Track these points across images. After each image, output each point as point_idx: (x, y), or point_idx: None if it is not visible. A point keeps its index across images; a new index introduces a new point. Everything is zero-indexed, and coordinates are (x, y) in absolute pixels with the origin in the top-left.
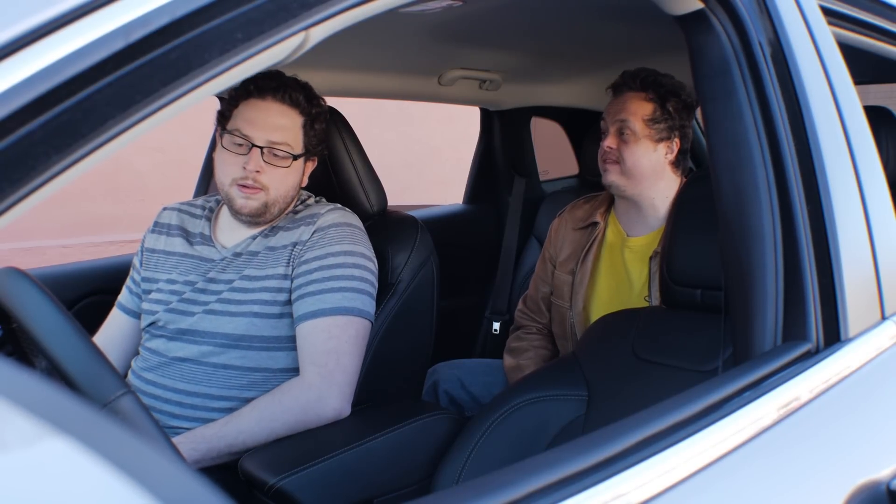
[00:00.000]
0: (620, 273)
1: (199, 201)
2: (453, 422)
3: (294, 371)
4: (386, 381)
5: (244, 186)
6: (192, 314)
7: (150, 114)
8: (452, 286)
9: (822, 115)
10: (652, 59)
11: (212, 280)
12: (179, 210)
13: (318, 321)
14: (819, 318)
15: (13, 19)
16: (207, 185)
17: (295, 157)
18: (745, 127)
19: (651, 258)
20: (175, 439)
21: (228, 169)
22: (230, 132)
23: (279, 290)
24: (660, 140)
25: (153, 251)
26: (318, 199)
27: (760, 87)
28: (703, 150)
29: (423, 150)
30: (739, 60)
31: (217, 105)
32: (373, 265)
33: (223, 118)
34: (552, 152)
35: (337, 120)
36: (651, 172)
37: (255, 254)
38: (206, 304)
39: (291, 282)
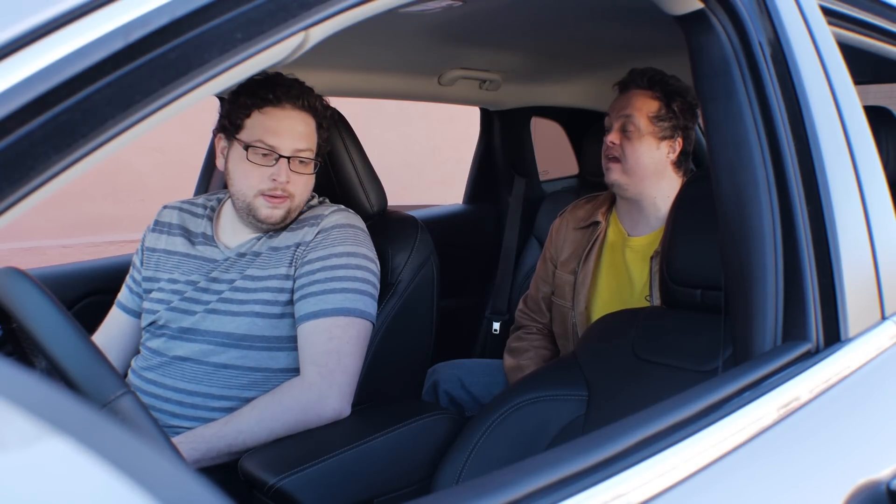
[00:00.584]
0: (622, 273)
1: (200, 200)
2: (453, 422)
3: (294, 371)
4: (386, 380)
5: (272, 197)
6: (194, 313)
7: (149, 114)
8: (452, 286)
9: (822, 115)
10: (652, 59)
11: (214, 280)
12: (180, 209)
13: (320, 321)
14: (819, 318)
15: (13, 19)
16: (207, 185)
17: (315, 162)
18: (745, 127)
19: (652, 258)
20: (175, 439)
21: (253, 181)
22: (252, 145)
23: (281, 290)
24: (663, 138)
25: (154, 250)
26: (321, 199)
27: (760, 87)
28: (703, 151)
29: (423, 150)
30: (739, 60)
31: (216, 105)
32: (375, 267)
33: (235, 128)
34: (552, 152)
35: (337, 120)
36: (653, 171)
37: (259, 254)
38: (207, 303)
39: (294, 282)
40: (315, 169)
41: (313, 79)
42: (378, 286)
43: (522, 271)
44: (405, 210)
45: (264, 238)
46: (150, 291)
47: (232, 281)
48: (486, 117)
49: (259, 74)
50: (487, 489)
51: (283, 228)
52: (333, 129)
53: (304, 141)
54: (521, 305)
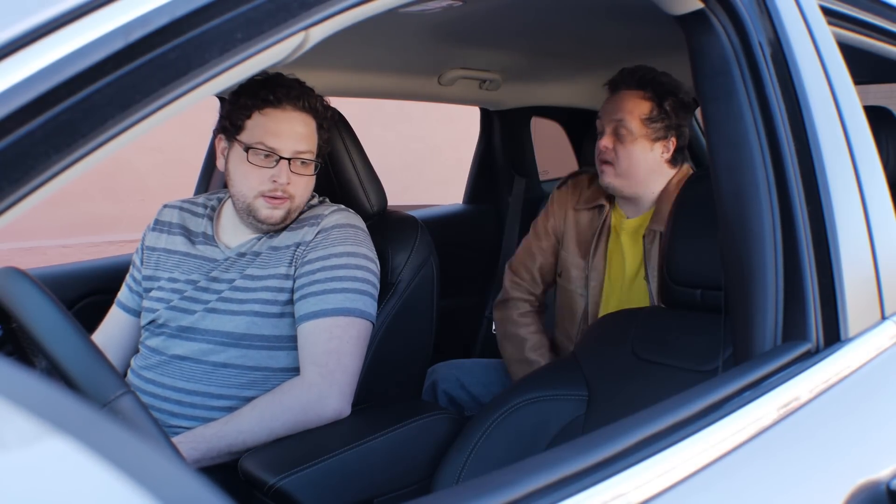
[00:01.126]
0: (619, 255)
1: (201, 199)
2: (453, 422)
3: (294, 371)
4: (386, 380)
5: (272, 198)
6: (193, 312)
7: (149, 114)
8: (452, 286)
9: (822, 115)
10: (652, 59)
11: (214, 279)
12: (181, 208)
13: (320, 321)
14: (819, 318)
15: (13, 19)
16: (207, 184)
17: (315, 163)
18: (745, 127)
19: (644, 236)
20: (175, 439)
21: (253, 183)
22: (253, 146)
23: (280, 289)
24: (656, 139)
25: (154, 249)
26: (321, 199)
27: (760, 87)
28: (703, 150)
29: (423, 150)
30: (739, 60)
31: (217, 105)
32: (375, 267)
33: (235, 129)
34: (552, 152)
35: (337, 120)
36: (648, 172)
37: (259, 254)
38: (206, 302)
39: (294, 282)
40: (315, 170)
41: (313, 79)
42: (378, 286)
43: None
44: (405, 210)
45: (264, 238)
46: (149, 290)
47: (232, 280)
48: (486, 117)
49: (259, 75)
50: (487, 489)
51: (284, 228)
52: (333, 129)
53: (304, 142)
54: (510, 276)
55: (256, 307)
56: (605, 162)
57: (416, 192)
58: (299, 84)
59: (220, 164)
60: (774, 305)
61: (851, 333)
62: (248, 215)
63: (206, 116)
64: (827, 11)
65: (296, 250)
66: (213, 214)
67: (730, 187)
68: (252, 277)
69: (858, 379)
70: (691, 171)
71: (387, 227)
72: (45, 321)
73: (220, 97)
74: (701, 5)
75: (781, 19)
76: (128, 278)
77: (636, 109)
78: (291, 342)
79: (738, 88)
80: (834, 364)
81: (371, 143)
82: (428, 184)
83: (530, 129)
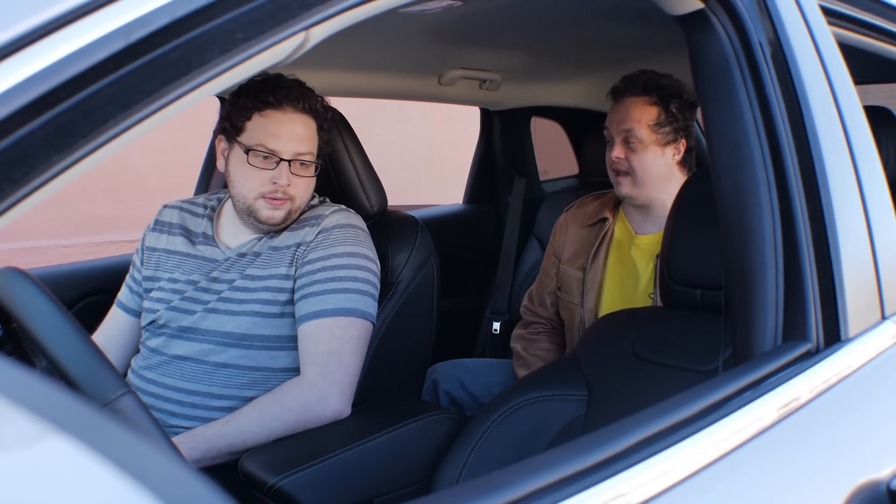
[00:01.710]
0: (628, 270)
1: (201, 199)
2: (453, 422)
3: (294, 371)
4: (386, 380)
5: (273, 199)
6: (194, 313)
7: (150, 114)
8: (452, 286)
9: (822, 115)
10: (652, 59)
11: (215, 280)
12: (181, 208)
13: (321, 321)
14: (819, 318)
15: (13, 19)
16: (207, 184)
17: (316, 165)
18: (745, 127)
19: (658, 256)
20: (175, 439)
21: (254, 184)
22: (253, 148)
23: (280, 289)
24: (667, 143)
25: (154, 249)
26: (322, 199)
27: (760, 87)
28: (703, 150)
29: (423, 150)
30: (739, 60)
31: (217, 105)
32: (375, 267)
33: (235, 130)
34: (552, 152)
35: (337, 120)
36: (662, 177)
37: (259, 254)
38: (207, 302)
39: (294, 282)
40: (316, 171)
41: (314, 79)
42: (378, 286)
43: (522, 271)
44: (405, 210)
45: (265, 238)
46: (150, 291)
47: (232, 281)
48: (486, 117)
49: (259, 75)
50: (487, 489)
51: (284, 228)
52: (334, 129)
53: (304, 144)
54: (525, 301)
55: (257, 307)
56: (619, 173)
57: (415, 192)
58: (299, 85)
59: (220, 164)
60: (774, 305)
61: (851, 333)
62: (248, 216)
63: (206, 116)
64: (827, 11)
65: (296, 250)
66: (213, 215)
67: (730, 187)
68: (252, 278)
69: (858, 379)
70: None
71: (387, 227)
72: (46, 321)
73: (221, 97)
74: (701, 5)
75: (781, 19)
76: (128, 278)
77: (644, 117)
78: (292, 342)
79: (738, 88)
80: (834, 364)
81: (371, 143)
82: (428, 184)
83: (530, 129)
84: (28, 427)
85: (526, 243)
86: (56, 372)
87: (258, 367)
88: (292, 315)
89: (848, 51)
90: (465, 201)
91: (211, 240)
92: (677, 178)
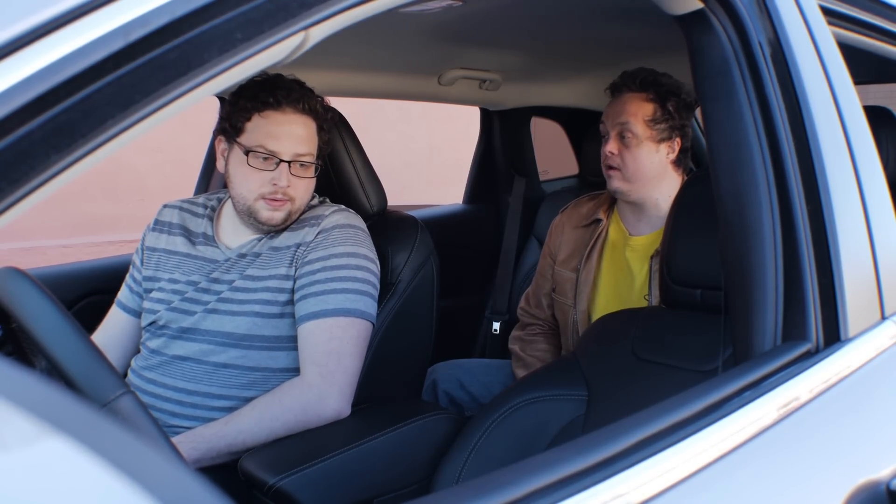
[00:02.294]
0: (622, 271)
1: (201, 199)
2: (453, 422)
3: (294, 371)
4: (386, 380)
5: (273, 200)
6: (194, 313)
7: (149, 114)
8: (452, 286)
9: (822, 115)
10: (652, 59)
11: (215, 280)
12: (181, 208)
13: (321, 321)
14: (819, 318)
15: (13, 19)
16: (207, 184)
17: (315, 165)
18: (745, 127)
19: (652, 257)
20: (175, 439)
21: (253, 185)
22: (253, 149)
23: (280, 290)
24: (661, 140)
25: (154, 250)
26: (322, 199)
27: (760, 87)
28: (703, 150)
29: (423, 150)
30: (739, 60)
31: (217, 105)
32: (375, 267)
33: (235, 130)
34: (552, 152)
35: (337, 120)
36: (654, 174)
37: (259, 254)
38: (207, 303)
39: (294, 282)
40: (316, 172)
41: (313, 79)
42: (378, 286)
43: (522, 271)
44: (405, 210)
45: (265, 238)
46: (150, 291)
47: (232, 281)
48: (486, 117)
49: (259, 76)
50: (487, 489)
51: (284, 229)
52: (333, 129)
53: (304, 145)
54: (522, 303)
55: (257, 308)
56: (612, 167)
57: (415, 192)
58: (299, 85)
59: (220, 165)
60: (774, 305)
61: (851, 333)
62: (248, 217)
63: (206, 116)
64: (827, 11)
65: (296, 251)
66: (213, 215)
67: (730, 187)
68: (252, 278)
69: (858, 379)
70: None
71: (387, 227)
72: (45, 321)
73: (220, 97)
74: (701, 5)
75: (781, 19)
76: (128, 278)
77: (640, 112)
78: (292, 342)
79: (738, 88)
80: (834, 364)
81: (371, 143)
82: (428, 184)
83: (530, 129)
84: (27, 427)
85: (526, 243)
86: (55, 372)
87: (258, 367)
88: (292, 315)
89: (848, 51)
90: (464, 201)
91: (211, 240)
92: (671, 178)
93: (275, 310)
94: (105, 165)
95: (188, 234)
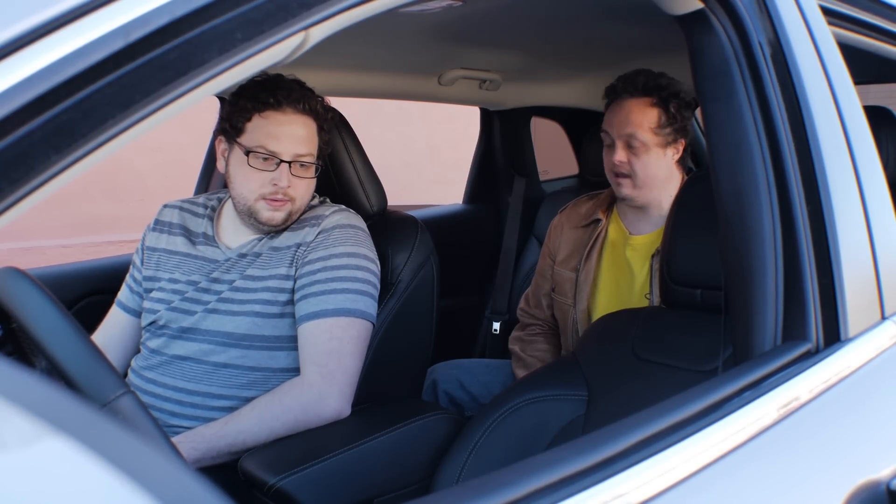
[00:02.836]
0: (623, 271)
1: (201, 199)
2: (453, 422)
3: (294, 371)
4: (386, 380)
5: (273, 200)
6: (194, 313)
7: (149, 114)
8: (452, 286)
9: (822, 115)
10: (652, 59)
11: (215, 280)
12: (181, 208)
13: (321, 321)
14: (819, 318)
15: (13, 19)
16: (207, 184)
17: (316, 166)
18: (745, 127)
19: (653, 256)
20: (175, 439)
21: (254, 185)
22: (253, 150)
23: (280, 290)
24: (668, 145)
25: (154, 249)
26: (322, 199)
27: (760, 87)
28: (702, 150)
29: (423, 150)
30: (739, 60)
31: (217, 105)
32: (375, 267)
33: (235, 131)
34: (552, 152)
35: (337, 120)
36: (663, 177)
37: (259, 254)
38: (207, 303)
39: (294, 282)
40: (316, 172)
41: (313, 79)
42: (378, 286)
43: (522, 271)
44: (405, 210)
45: (265, 238)
46: (150, 291)
47: (232, 281)
48: (486, 117)
49: (259, 76)
50: (487, 489)
51: (284, 229)
52: (334, 129)
53: (304, 145)
54: (521, 304)
55: (257, 308)
56: (621, 175)
57: (415, 192)
58: (299, 86)
59: (220, 165)
60: (774, 305)
61: (851, 333)
62: (249, 217)
63: (206, 116)
64: (827, 11)
65: (296, 251)
66: (213, 215)
67: (730, 187)
68: (252, 278)
69: (858, 379)
70: None
71: (387, 227)
72: (45, 321)
73: (220, 97)
74: (701, 5)
75: (781, 19)
76: (128, 278)
77: (645, 120)
78: (292, 342)
79: (738, 88)
80: (834, 364)
81: (371, 143)
82: (428, 184)
83: (530, 129)
84: (27, 427)
85: (526, 243)
86: (55, 372)
87: (258, 367)
88: (292, 315)
89: (848, 51)
90: (465, 201)
91: (211, 240)
92: (675, 178)
93: (275, 310)
94: (105, 165)
95: (188, 234)
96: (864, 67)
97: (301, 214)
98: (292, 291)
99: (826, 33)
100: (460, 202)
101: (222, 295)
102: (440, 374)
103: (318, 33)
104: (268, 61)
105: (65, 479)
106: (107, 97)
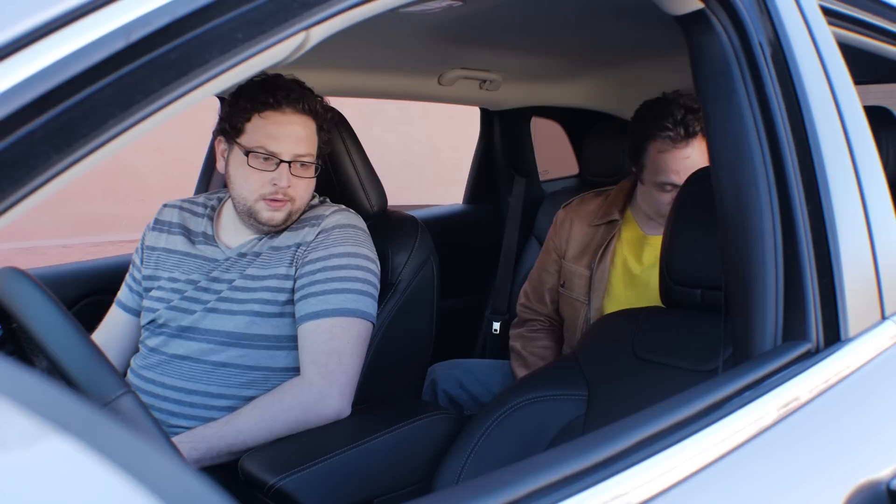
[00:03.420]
0: (636, 270)
1: (201, 199)
2: (453, 422)
3: (294, 371)
4: (386, 380)
5: (273, 201)
6: (193, 312)
7: (150, 114)
8: (452, 286)
9: (822, 115)
10: (652, 59)
11: (215, 279)
12: (181, 208)
13: (321, 321)
14: (819, 318)
15: (13, 19)
16: (207, 184)
17: (315, 166)
18: (745, 127)
19: None
20: (175, 439)
21: (254, 186)
22: (253, 150)
23: (280, 289)
24: None
25: (154, 249)
26: (322, 199)
27: (760, 87)
28: None
29: (423, 150)
30: (739, 60)
31: (217, 105)
32: (375, 267)
33: (235, 131)
34: (552, 152)
35: (337, 120)
36: None
37: (259, 254)
38: (206, 302)
39: (294, 282)
40: (316, 172)
41: (313, 79)
42: (378, 286)
43: (522, 271)
44: (405, 210)
45: (265, 238)
46: (150, 290)
47: (232, 280)
48: (486, 117)
49: (259, 76)
50: (487, 489)
51: (284, 228)
52: (333, 129)
53: (304, 145)
54: (522, 299)
55: (256, 307)
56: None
57: (416, 192)
58: (299, 86)
59: (220, 165)
60: (774, 305)
61: (851, 333)
62: (249, 217)
63: (206, 116)
64: (827, 11)
65: (296, 251)
66: (213, 214)
67: (730, 187)
68: (252, 277)
69: (858, 379)
70: None
71: (387, 227)
72: (45, 321)
73: (220, 97)
74: (701, 5)
75: (781, 19)
76: (128, 278)
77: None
78: (292, 342)
79: (738, 88)
80: (834, 364)
81: (371, 143)
82: (428, 184)
83: (530, 129)
84: (28, 427)
85: (526, 243)
86: (56, 372)
87: (258, 366)
88: (292, 315)
89: (848, 51)
90: (465, 201)
91: (211, 239)
92: None
93: (274, 309)
94: (105, 165)
95: (188, 234)
96: (864, 67)
97: (301, 214)
98: (292, 291)
99: (826, 33)
100: (460, 202)
101: (222, 294)
102: (440, 373)
103: (319, 33)
104: (268, 61)
105: (67, 479)
106: (107, 97)
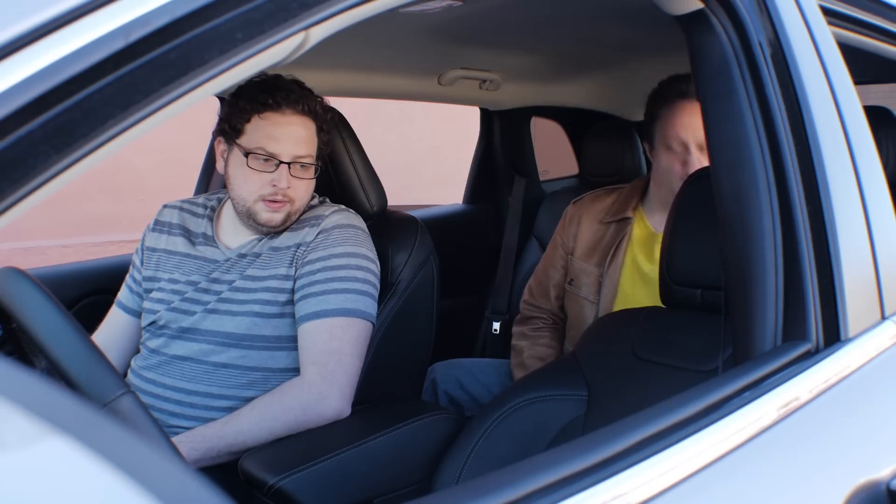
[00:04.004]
0: (646, 268)
1: (201, 199)
2: (453, 422)
3: (294, 371)
4: (386, 380)
5: (272, 202)
6: (194, 313)
7: (150, 114)
8: (452, 286)
9: (822, 115)
10: (652, 59)
11: (215, 280)
12: (181, 208)
13: (321, 321)
14: (819, 318)
15: (13, 19)
16: (207, 184)
17: (315, 166)
18: (745, 127)
19: None
20: (175, 439)
21: (253, 187)
22: (253, 151)
23: (280, 290)
24: None
25: (154, 250)
26: (322, 199)
27: (760, 87)
28: None
29: (423, 150)
30: (739, 60)
31: (217, 105)
32: (375, 267)
33: (234, 132)
34: (552, 152)
35: (337, 120)
36: None
37: (259, 255)
38: (207, 303)
39: (294, 282)
40: (316, 173)
41: (313, 79)
42: (378, 286)
43: (522, 271)
44: (405, 210)
45: (265, 239)
46: (150, 291)
47: (232, 281)
48: (486, 117)
49: (258, 76)
50: (487, 489)
51: (284, 229)
52: (333, 129)
53: (304, 146)
54: (525, 296)
55: (257, 308)
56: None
57: (416, 192)
58: (299, 86)
59: (219, 166)
60: (774, 305)
61: (851, 333)
62: (248, 218)
63: (206, 116)
64: (827, 11)
65: (296, 251)
66: (212, 215)
67: (730, 187)
68: (252, 278)
69: (858, 379)
70: None
71: (387, 227)
72: (45, 321)
73: (220, 97)
74: (701, 5)
75: (781, 19)
76: (128, 278)
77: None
78: (292, 342)
79: (738, 88)
80: (834, 364)
81: (371, 143)
82: (428, 184)
83: (530, 129)
84: (27, 427)
85: (526, 243)
86: (56, 372)
87: (258, 367)
88: (292, 315)
89: (848, 51)
90: (465, 201)
91: (211, 240)
92: None
93: (274, 310)
94: (105, 165)
95: (188, 235)
96: (864, 67)
97: (301, 214)
98: (292, 291)
99: (826, 33)
100: (460, 202)
101: (222, 295)
102: (440, 373)
103: (319, 33)
104: (268, 61)
105: (65, 479)
106: (107, 97)
